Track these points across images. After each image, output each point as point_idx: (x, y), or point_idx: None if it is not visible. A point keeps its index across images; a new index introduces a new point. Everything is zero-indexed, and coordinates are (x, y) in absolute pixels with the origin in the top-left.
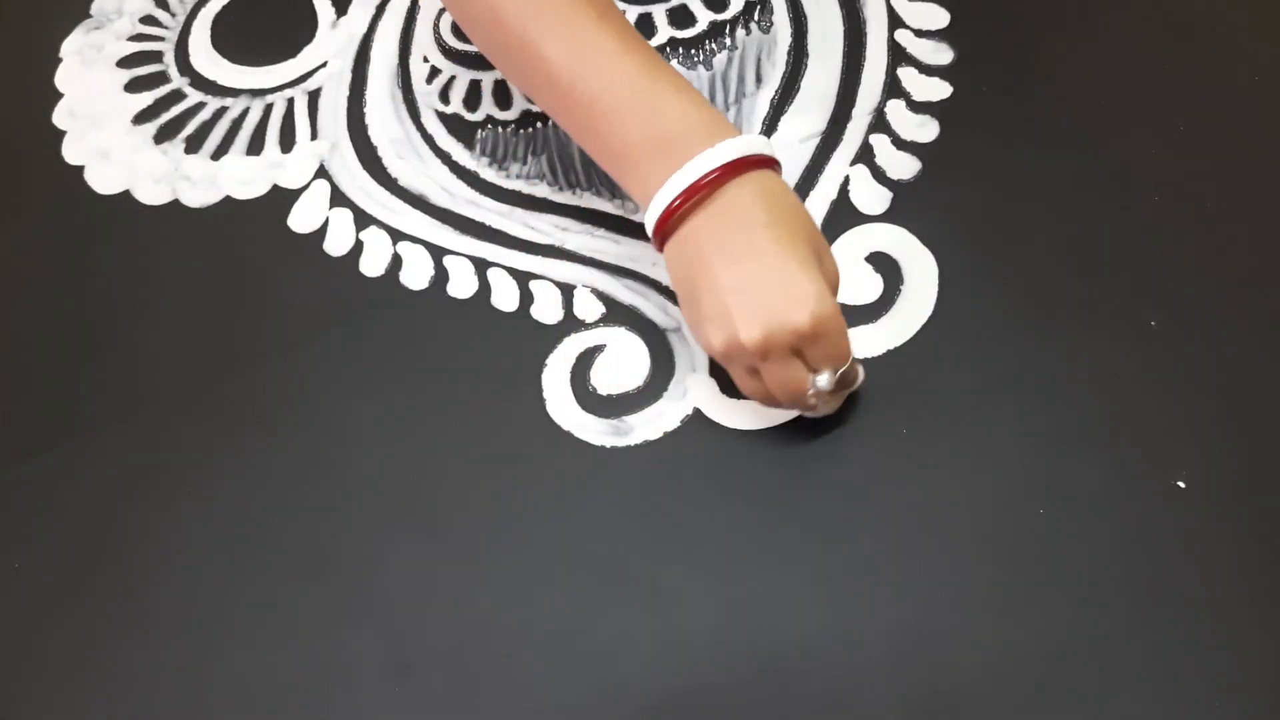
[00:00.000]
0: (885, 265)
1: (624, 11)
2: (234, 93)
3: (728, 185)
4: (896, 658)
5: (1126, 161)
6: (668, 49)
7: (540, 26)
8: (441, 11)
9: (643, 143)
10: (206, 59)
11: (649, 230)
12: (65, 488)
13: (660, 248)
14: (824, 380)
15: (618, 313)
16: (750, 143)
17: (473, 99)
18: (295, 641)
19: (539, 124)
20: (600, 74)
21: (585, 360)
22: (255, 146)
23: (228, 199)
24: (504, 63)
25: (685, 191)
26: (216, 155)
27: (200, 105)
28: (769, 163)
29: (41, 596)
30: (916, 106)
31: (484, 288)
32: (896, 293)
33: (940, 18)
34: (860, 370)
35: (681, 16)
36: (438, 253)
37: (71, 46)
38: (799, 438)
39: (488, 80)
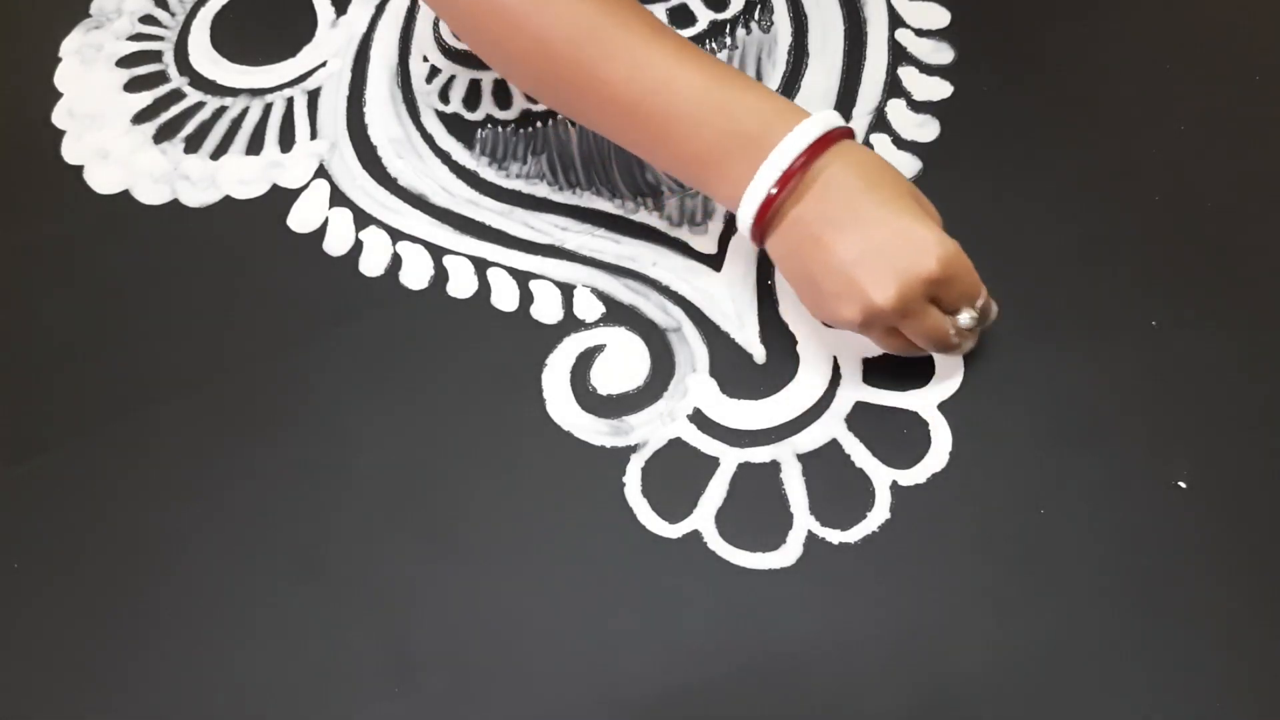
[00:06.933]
0: None
1: None
2: (233, 92)
3: (815, 164)
4: (896, 658)
5: (1126, 161)
6: None
7: (595, 51)
8: None
9: (723, 144)
10: (206, 58)
11: (744, 228)
12: (65, 488)
13: (760, 241)
14: (966, 318)
15: (618, 312)
16: (825, 119)
17: (472, 98)
18: (295, 641)
19: (539, 124)
20: (665, 87)
21: (585, 360)
22: (255, 146)
23: (227, 199)
24: (555, 92)
25: (780, 179)
26: (216, 155)
27: (200, 105)
28: (846, 133)
29: (41, 596)
30: (917, 106)
31: (484, 287)
32: None
33: (941, 17)
34: (993, 303)
35: (682, 16)
36: (437, 252)
37: (71, 46)
38: (798, 438)
39: (487, 80)
